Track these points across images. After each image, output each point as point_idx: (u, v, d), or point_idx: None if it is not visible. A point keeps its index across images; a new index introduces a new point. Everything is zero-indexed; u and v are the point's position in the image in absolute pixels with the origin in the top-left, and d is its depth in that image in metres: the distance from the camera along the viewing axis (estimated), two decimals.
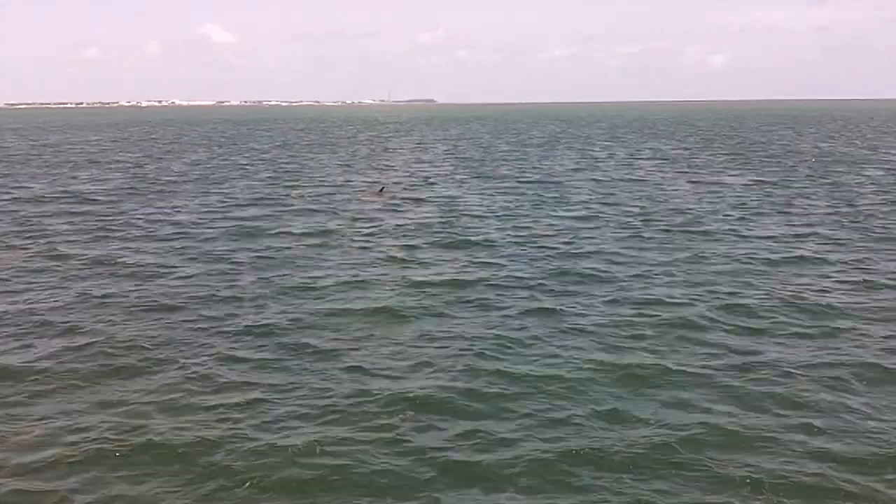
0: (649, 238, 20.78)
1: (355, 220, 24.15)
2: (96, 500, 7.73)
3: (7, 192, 31.57)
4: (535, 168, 42.67)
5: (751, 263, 17.49)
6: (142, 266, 17.58)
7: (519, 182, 35.11)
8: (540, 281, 16.01)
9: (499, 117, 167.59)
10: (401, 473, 8.14)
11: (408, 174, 39.29)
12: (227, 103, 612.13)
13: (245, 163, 47.58)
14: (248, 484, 7.94)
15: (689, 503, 7.62)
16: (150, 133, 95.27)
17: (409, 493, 7.81)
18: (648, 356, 11.40)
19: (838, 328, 12.79)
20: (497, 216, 24.76)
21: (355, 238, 21.00)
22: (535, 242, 20.28)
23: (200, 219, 24.48)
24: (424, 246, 19.85)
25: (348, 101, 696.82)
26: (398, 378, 10.65)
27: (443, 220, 23.95)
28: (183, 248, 19.76)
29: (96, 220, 24.21)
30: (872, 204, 26.96)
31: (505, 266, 17.42)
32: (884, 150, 54.25)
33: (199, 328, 12.91)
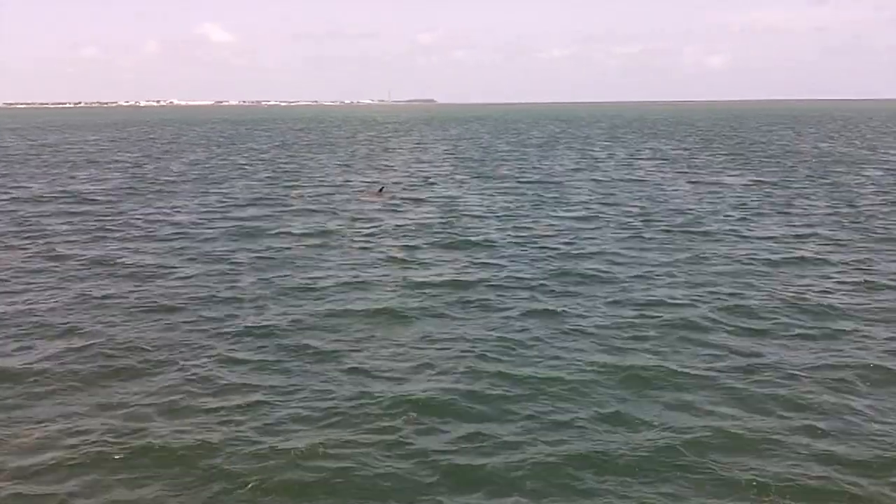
0: (650, 238, 20.73)
1: (355, 220, 24.09)
2: None
3: (6, 192, 31.48)
4: (535, 168, 42.63)
5: (752, 264, 17.46)
6: (141, 267, 17.52)
7: (519, 182, 35.07)
8: (541, 282, 15.96)
9: (498, 117, 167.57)
10: (403, 477, 8.08)
11: (407, 174, 39.23)
12: (226, 103, 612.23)
13: (244, 163, 47.51)
14: (249, 487, 7.88)
15: None
16: (149, 133, 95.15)
17: (412, 497, 7.76)
18: (651, 358, 11.35)
19: (841, 329, 12.75)
20: (497, 216, 24.71)
21: (355, 238, 20.94)
22: (535, 243, 20.23)
23: (200, 219, 24.41)
24: (425, 246, 19.79)
25: (347, 101, 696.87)
26: (400, 380, 10.59)
27: (443, 220, 23.89)
28: (182, 248, 19.69)
29: (95, 221, 24.13)
30: (873, 204, 26.93)
31: (506, 267, 17.37)
32: (883, 151, 54.25)
33: (199, 329, 12.85)
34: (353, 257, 18.51)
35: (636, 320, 13.17)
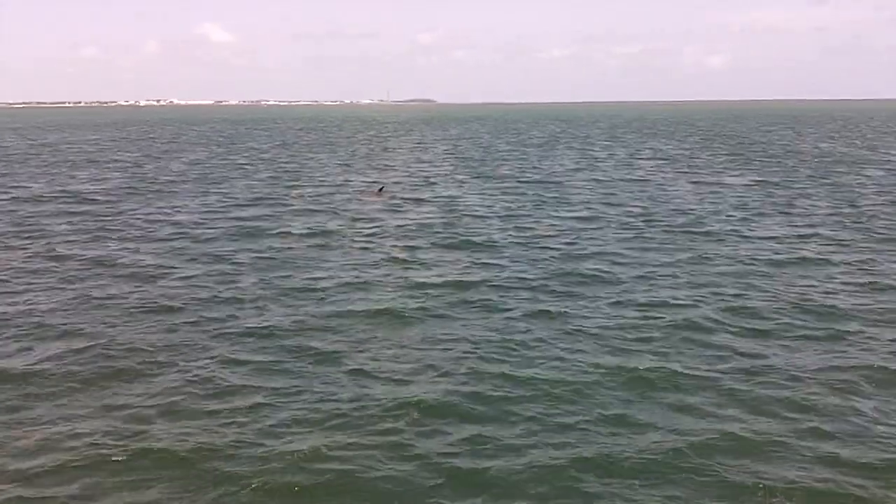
0: (651, 239, 20.68)
1: (356, 220, 24.03)
2: None
3: (6, 192, 31.42)
4: (535, 168, 42.57)
5: (754, 265, 17.40)
6: (141, 267, 17.46)
7: (519, 182, 35.02)
8: (543, 282, 15.91)
9: (498, 117, 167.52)
10: (406, 480, 8.02)
11: (408, 174, 39.17)
12: (226, 103, 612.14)
13: (244, 162, 47.45)
14: (251, 490, 7.83)
15: None
16: (149, 132, 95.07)
17: (415, 501, 7.70)
18: (655, 359, 11.29)
19: (845, 331, 12.69)
20: (499, 216, 24.66)
21: (356, 239, 20.88)
22: (537, 243, 20.18)
23: (200, 219, 24.35)
24: (426, 247, 19.74)
25: (347, 101, 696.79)
26: (402, 382, 10.53)
27: (444, 220, 23.83)
28: (183, 248, 19.63)
29: (95, 220, 24.07)
30: (874, 205, 26.88)
31: (507, 267, 17.31)
32: (883, 151, 54.20)
33: (200, 330, 12.79)
34: (355, 257, 18.45)
35: (639, 321, 13.12)
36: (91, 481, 8.05)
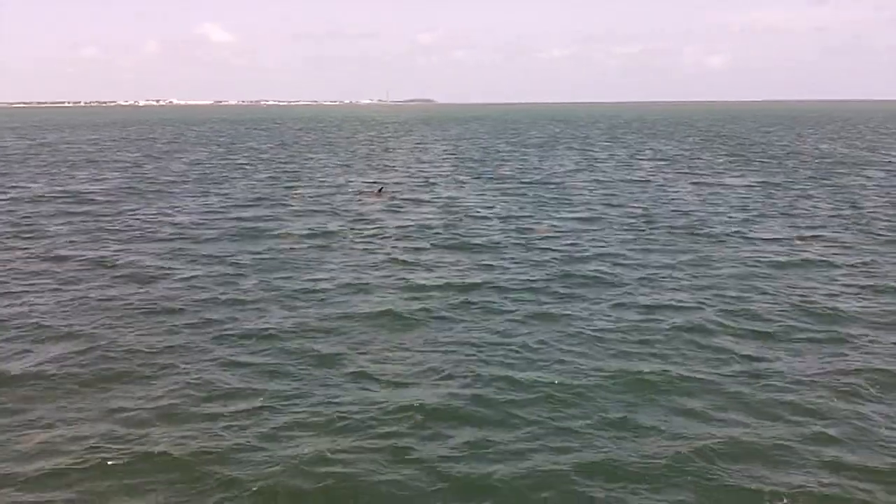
0: (653, 240, 20.63)
1: (356, 221, 23.97)
2: None
3: (4, 192, 31.34)
4: (536, 168, 42.51)
5: (757, 266, 17.34)
6: (141, 268, 17.39)
7: (520, 183, 34.96)
8: (545, 284, 15.85)
9: (498, 117, 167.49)
10: (409, 484, 7.96)
11: (408, 175, 39.09)
12: (225, 103, 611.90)
13: (244, 162, 47.38)
14: (252, 494, 7.77)
15: None
16: (149, 132, 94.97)
17: None
18: (657, 362, 11.24)
19: (848, 333, 12.64)
20: (500, 217, 24.59)
21: (357, 240, 20.82)
22: (538, 244, 20.12)
23: (200, 220, 24.28)
24: (427, 248, 19.68)
25: (346, 101, 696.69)
26: (404, 385, 10.47)
27: (445, 221, 23.77)
28: (183, 249, 19.56)
29: (95, 221, 24.01)
30: (876, 206, 26.83)
31: (509, 269, 17.25)
32: (884, 152, 54.16)
33: (200, 332, 12.72)
34: (355, 259, 18.39)
35: (641, 324, 13.06)
36: (91, 485, 7.99)
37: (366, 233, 21.88)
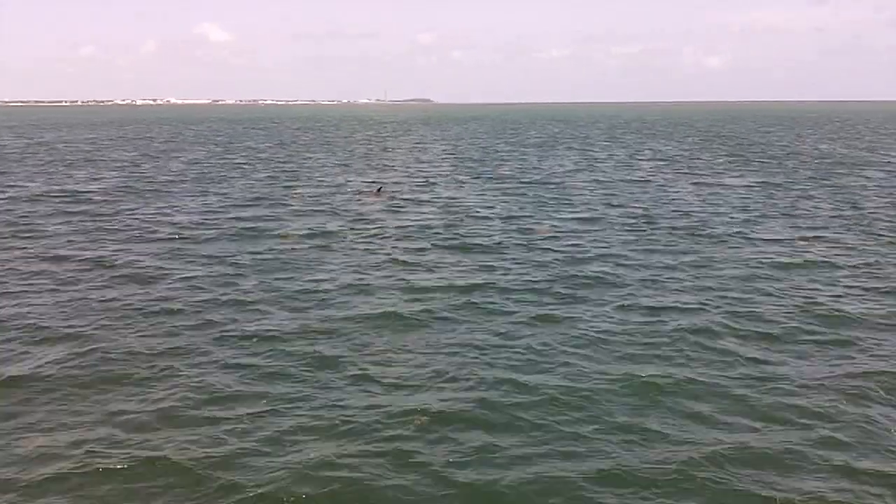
0: (655, 241, 20.53)
1: (356, 221, 23.84)
2: None
3: (2, 191, 31.16)
4: (535, 168, 42.41)
5: (760, 267, 17.25)
6: (141, 268, 17.25)
7: (520, 183, 34.85)
8: (547, 285, 15.74)
9: (497, 117, 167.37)
10: (414, 490, 7.84)
11: (407, 174, 38.97)
12: (223, 102, 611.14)
13: (242, 162, 47.21)
14: (255, 500, 7.64)
15: None
16: (146, 131, 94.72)
17: None
18: (663, 365, 11.13)
19: (854, 335, 12.55)
20: (500, 217, 24.48)
21: (357, 240, 20.69)
22: (539, 245, 20.01)
23: (200, 219, 24.14)
24: (428, 248, 19.57)
25: (344, 101, 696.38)
26: (408, 388, 10.35)
27: (445, 221, 23.66)
28: (182, 249, 19.42)
29: (93, 220, 23.85)
30: (877, 207, 26.76)
31: (511, 269, 17.14)
32: (883, 152, 54.14)
33: (201, 334, 12.59)
34: (356, 259, 18.26)
35: (645, 326, 12.96)
36: (92, 490, 7.86)
37: (366, 233, 21.76)
